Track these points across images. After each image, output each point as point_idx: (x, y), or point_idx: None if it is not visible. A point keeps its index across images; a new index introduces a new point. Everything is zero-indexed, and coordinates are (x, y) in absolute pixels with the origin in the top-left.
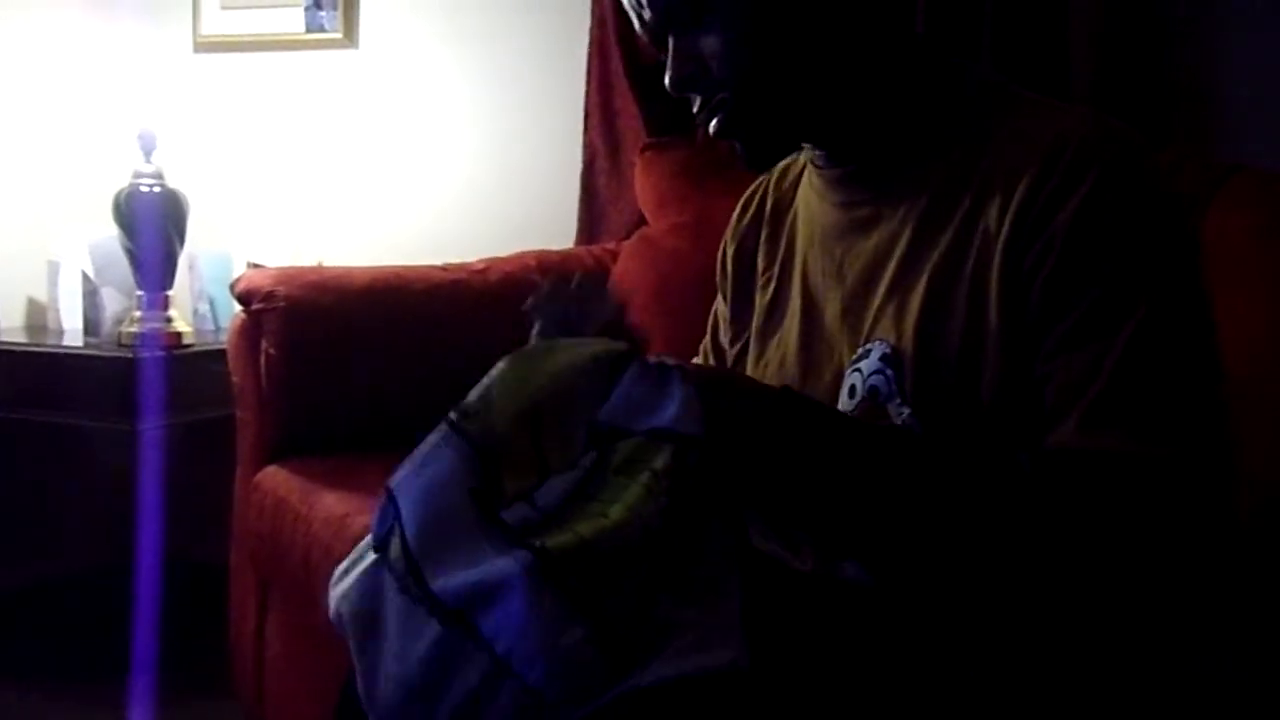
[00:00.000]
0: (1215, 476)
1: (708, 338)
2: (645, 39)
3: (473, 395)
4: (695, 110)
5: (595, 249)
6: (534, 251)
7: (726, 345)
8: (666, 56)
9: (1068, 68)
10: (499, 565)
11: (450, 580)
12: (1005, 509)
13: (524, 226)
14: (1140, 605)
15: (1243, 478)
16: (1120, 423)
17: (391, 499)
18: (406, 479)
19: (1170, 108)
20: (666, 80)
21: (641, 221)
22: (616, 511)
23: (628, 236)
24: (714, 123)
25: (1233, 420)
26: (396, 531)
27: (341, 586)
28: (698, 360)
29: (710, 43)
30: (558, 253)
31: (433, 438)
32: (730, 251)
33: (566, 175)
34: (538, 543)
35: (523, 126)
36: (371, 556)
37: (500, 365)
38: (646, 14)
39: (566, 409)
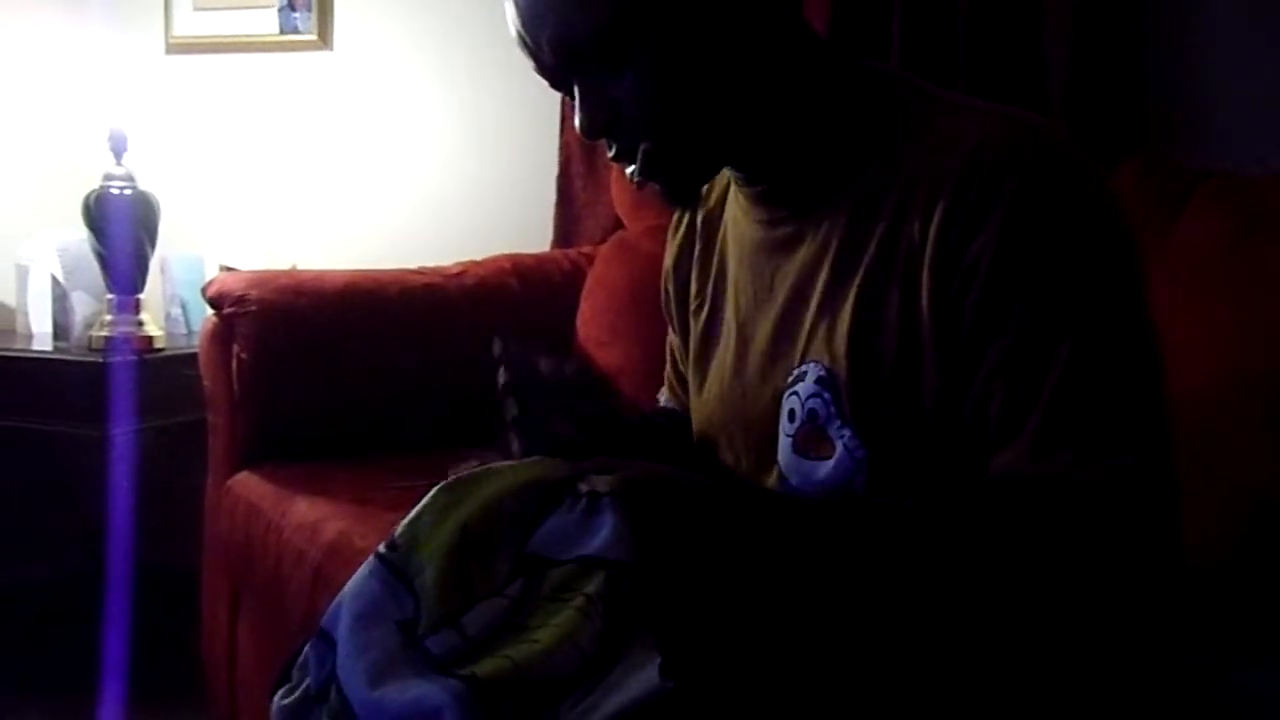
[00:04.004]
0: (1164, 492)
1: (668, 368)
2: (542, 78)
3: (402, 524)
4: (611, 155)
5: (571, 252)
6: (509, 255)
7: (687, 373)
8: (572, 99)
9: (1044, 75)
10: (431, 697)
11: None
12: (964, 558)
13: (499, 230)
14: (1099, 624)
15: (1215, 477)
16: (1069, 446)
17: (328, 642)
18: (338, 614)
19: (1146, 114)
20: (577, 124)
21: (618, 224)
22: (548, 635)
23: (604, 239)
24: (635, 168)
25: (1201, 422)
26: (335, 680)
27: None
28: (663, 396)
29: (625, 88)
30: (533, 256)
31: (363, 569)
32: (670, 276)
33: (542, 178)
34: (467, 671)
35: (498, 129)
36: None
37: (432, 491)
38: (546, 57)
39: (493, 532)
